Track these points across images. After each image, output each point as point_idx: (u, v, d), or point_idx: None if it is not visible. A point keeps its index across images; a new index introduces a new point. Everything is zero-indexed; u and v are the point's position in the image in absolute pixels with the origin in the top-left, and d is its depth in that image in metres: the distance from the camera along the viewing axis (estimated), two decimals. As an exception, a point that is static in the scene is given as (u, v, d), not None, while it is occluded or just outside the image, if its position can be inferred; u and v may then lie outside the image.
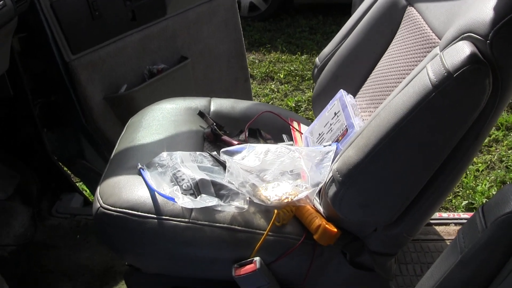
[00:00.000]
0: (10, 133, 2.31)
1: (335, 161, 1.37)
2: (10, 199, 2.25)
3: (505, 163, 3.07)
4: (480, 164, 3.03)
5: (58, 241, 2.26)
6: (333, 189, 1.32)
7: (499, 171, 2.99)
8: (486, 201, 2.67)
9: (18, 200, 2.28)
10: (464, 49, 1.15)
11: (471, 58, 1.13)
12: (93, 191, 2.61)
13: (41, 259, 2.18)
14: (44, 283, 2.08)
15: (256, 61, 4.59)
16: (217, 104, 1.97)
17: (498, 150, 3.19)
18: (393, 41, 1.73)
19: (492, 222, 0.89)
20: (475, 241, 0.91)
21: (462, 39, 1.21)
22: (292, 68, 4.40)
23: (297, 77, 4.26)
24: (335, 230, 1.39)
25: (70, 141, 2.47)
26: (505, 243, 0.87)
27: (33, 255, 2.20)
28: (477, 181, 2.91)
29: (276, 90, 4.10)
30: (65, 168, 2.56)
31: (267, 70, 4.38)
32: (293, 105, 3.83)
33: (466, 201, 2.74)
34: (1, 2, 1.63)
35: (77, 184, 2.63)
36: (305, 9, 5.75)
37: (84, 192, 2.63)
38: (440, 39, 1.38)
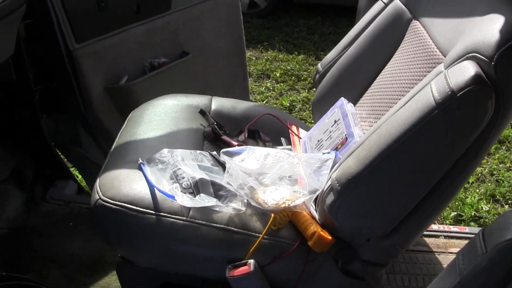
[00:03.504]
0: (8, 117, 2.31)
1: (334, 169, 1.39)
2: (4, 183, 2.25)
3: (496, 176, 3.11)
4: (470, 177, 3.05)
5: (51, 227, 2.26)
6: (330, 198, 1.34)
7: (489, 184, 3.03)
8: (474, 213, 2.72)
9: (13, 184, 2.28)
10: (468, 69, 1.17)
11: (476, 78, 1.15)
12: (87, 179, 2.62)
13: (33, 245, 2.18)
14: (33, 268, 2.09)
15: (253, 58, 4.61)
16: (218, 103, 1.98)
17: (489, 163, 3.22)
18: (396, 53, 1.74)
19: (492, 248, 0.90)
20: (475, 264, 0.92)
21: (467, 58, 1.24)
22: (288, 67, 4.42)
23: (293, 77, 4.28)
24: (330, 237, 1.41)
25: (67, 128, 2.47)
26: (504, 269, 0.89)
27: (24, 240, 2.20)
28: (467, 193, 2.94)
29: (271, 88, 4.11)
30: (61, 155, 2.57)
31: (264, 68, 4.40)
32: (288, 104, 3.84)
33: (455, 213, 2.77)
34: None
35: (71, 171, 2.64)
36: (304, 9, 5.76)
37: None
38: (445, 56, 1.40)
